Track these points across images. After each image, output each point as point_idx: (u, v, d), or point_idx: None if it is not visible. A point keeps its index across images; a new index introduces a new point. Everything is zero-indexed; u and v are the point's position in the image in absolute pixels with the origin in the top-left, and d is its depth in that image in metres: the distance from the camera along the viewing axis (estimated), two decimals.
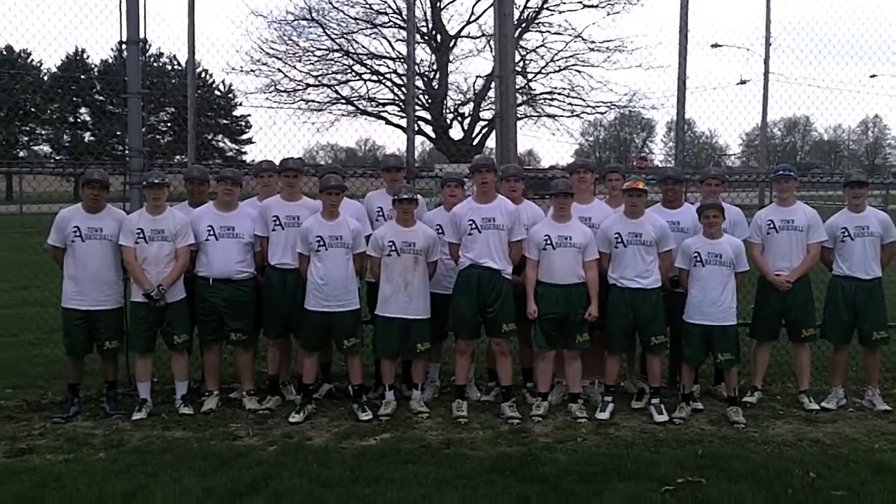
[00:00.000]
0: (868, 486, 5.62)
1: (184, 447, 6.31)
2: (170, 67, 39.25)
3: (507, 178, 7.64)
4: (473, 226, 7.12)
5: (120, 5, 7.79)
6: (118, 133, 47.51)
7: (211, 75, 44.85)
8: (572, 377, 7.38)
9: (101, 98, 49.46)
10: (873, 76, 34.01)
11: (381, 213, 7.71)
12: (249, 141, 48.87)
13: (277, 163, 7.82)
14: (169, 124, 46.66)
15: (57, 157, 50.06)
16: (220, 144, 49.37)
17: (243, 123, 49.37)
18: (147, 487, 5.51)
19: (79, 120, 52.62)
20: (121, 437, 6.55)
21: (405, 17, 28.06)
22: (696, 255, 7.16)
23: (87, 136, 50.97)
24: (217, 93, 47.44)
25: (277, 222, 7.26)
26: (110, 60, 48.01)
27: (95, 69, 48.80)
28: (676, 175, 7.86)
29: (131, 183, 7.86)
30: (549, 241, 7.15)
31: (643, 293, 7.18)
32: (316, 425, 6.93)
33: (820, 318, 7.83)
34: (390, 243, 7.15)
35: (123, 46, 7.93)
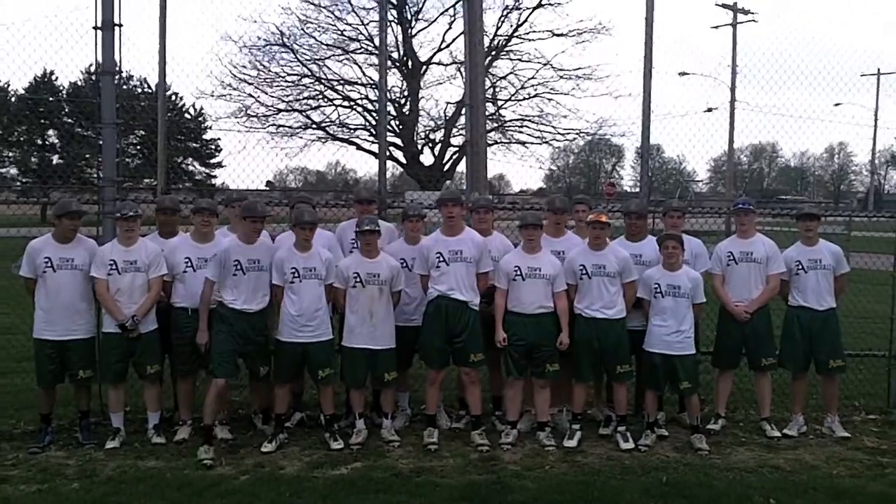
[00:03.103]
0: None
1: (157, 477, 6.34)
2: (139, 90, 39.10)
3: (476, 210, 7.77)
4: (441, 258, 7.25)
5: (95, 36, 7.84)
6: (87, 156, 47.33)
7: (181, 98, 44.70)
8: (541, 406, 7.50)
9: (69, 121, 49.16)
10: (838, 104, 34.87)
11: (355, 245, 7.71)
12: (220, 165, 48.61)
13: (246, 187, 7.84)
14: (138, 147, 46.36)
15: (24, 180, 49.52)
16: (190, 168, 49.09)
17: (213, 147, 49.17)
18: None
19: (47, 143, 52.12)
20: (94, 466, 6.57)
21: (377, 45, 28.34)
22: (656, 286, 7.34)
23: (56, 159, 50.51)
24: (187, 116, 47.25)
25: (239, 267, 7.03)
26: (80, 83, 47.90)
27: (64, 91, 48.52)
28: (639, 210, 8.00)
29: (104, 212, 7.88)
30: (518, 272, 7.29)
31: (608, 323, 7.34)
32: (288, 454, 6.99)
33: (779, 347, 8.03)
34: (355, 275, 7.24)
35: (97, 76, 7.98)
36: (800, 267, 7.85)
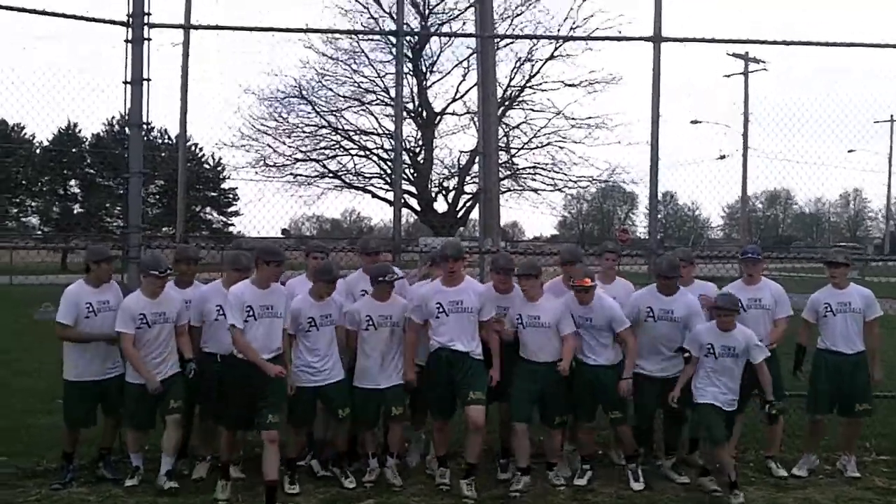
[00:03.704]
0: None
1: None
2: (160, 141, 39.90)
3: (497, 271, 7.61)
4: (441, 309, 7.24)
5: (125, 90, 8.17)
6: (107, 205, 48.10)
7: (200, 148, 45.56)
8: (550, 447, 7.58)
9: (91, 171, 50.02)
10: (851, 151, 35.09)
11: (364, 293, 7.64)
12: (237, 213, 49.29)
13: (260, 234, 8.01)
14: (157, 196, 47.07)
15: (45, 229, 50.31)
16: (208, 217, 49.76)
17: (231, 196, 49.83)
18: None
19: (69, 192, 53.02)
20: (115, 502, 6.76)
21: (392, 96, 28.70)
22: (709, 346, 7.18)
23: (77, 208, 51.36)
24: (206, 166, 48.00)
25: (251, 313, 6.77)
26: (101, 134, 48.87)
27: (86, 143, 49.49)
28: (669, 272, 7.56)
29: (129, 258, 8.14)
30: (520, 321, 7.35)
31: (601, 369, 7.37)
32: (304, 491, 7.12)
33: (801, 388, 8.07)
34: (367, 318, 7.30)
35: (125, 128, 8.30)
36: (828, 310, 7.82)
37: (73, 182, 52.34)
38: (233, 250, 7.84)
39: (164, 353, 7.26)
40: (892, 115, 45.87)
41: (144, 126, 8.36)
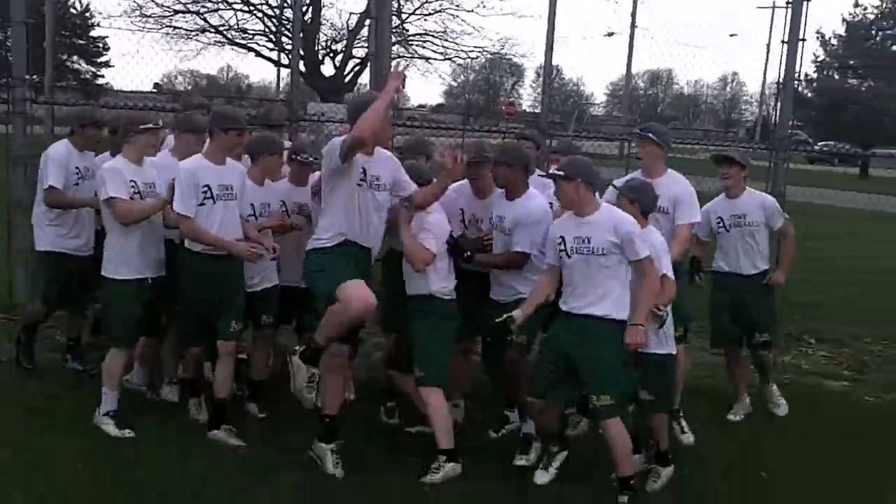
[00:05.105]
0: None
1: None
2: None
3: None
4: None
5: None
6: None
7: None
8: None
9: None
10: (733, 35, 35.97)
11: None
12: (107, 64, 46.58)
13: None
14: None
15: None
16: (76, 66, 46.91)
17: (101, 45, 46.98)
18: None
19: None
20: None
21: None
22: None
23: None
24: (73, 11, 44.92)
25: (208, 194, 5.23)
26: None
27: None
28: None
29: (15, 112, 7.69)
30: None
31: None
32: None
33: None
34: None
35: None
36: (721, 225, 6.44)
37: None
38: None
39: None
40: (773, 2, 46.83)
41: None
